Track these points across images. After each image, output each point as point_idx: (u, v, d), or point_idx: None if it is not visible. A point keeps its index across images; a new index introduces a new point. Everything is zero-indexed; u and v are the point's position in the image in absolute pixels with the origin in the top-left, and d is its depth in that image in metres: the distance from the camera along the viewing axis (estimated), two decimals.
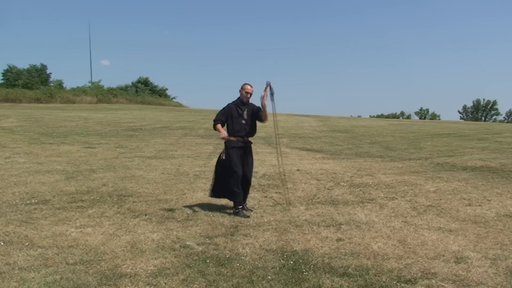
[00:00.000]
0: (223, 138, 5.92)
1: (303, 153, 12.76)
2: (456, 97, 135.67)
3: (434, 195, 7.09)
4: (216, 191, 6.06)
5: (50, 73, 46.44)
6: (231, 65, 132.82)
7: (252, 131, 6.06)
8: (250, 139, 6.10)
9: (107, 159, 10.50)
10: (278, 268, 3.96)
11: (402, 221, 5.57)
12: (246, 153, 6.00)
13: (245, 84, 5.96)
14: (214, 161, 10.45)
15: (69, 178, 8.01)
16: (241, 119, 5.91)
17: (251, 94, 5.93)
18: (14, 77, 42.29)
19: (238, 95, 6.01)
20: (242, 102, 5.96)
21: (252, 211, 6.00)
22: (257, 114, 5.96)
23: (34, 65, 45.16)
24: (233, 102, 6.04)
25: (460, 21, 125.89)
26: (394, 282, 3.67)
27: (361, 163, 10.64)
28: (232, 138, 5.92)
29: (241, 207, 5.85)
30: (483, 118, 77.01)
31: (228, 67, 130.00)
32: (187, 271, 3.84)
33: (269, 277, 3.75)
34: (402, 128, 21.28)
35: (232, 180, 5.83)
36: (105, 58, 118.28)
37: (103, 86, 44.20)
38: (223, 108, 6.05)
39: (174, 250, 4.38)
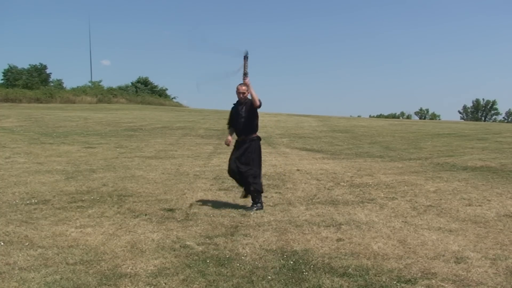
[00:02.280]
0: (226, 144, 6.38)
1: (303, 153, 12.76)
2: (456, 97, 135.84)
3: (434, 195, 7.09)
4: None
5: (50, 73, 46.56)
6: (231, 65, 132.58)
7: (249, 127, 6.12)
8: (254, 135, 6.19)
9: (107, 159, 10.50)
10: (278, 268, 3.96)
11: (402, 221, 5.57)
12: (244, 150, 6.09)
13: (237, 85, 6.14)
14: (214, 161, 10.49)
15: (69, 178, 8.01)
16: (240, 118, 6.13)
17: (243, 94, 6.08)
18: (14, 77, 42.32)
19: (232, 94, 6.25)
20: (239, 102, 6.20)
21: (245, 211, 5.96)
22: (252, 105, 6.05)
23: (34, 65, 45.23)
24: (234, 103, 6.29)
25: (460, 21, 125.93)
26: (394, 282, 3.67)
27: (361, 163, 10.64)
28: (236, 138, 6.28)
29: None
30: (483, 118, 77.06)
31: (229, 67, 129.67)
32: (187, 271, 3.84)
33: (269, 277, 3.75)
34: (402, 128, 21.27)
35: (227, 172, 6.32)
36: (106, 58, 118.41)
37: (103, 86, 44.29)
38: (230, 112, 6.37)
39: (174, 250, 4.38)
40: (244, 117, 6.07)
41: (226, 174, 8.51)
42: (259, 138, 6.23)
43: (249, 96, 6.07)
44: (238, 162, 6.07)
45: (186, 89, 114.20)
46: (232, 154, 6.21)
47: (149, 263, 4.01)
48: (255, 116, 6.13)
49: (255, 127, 6.17)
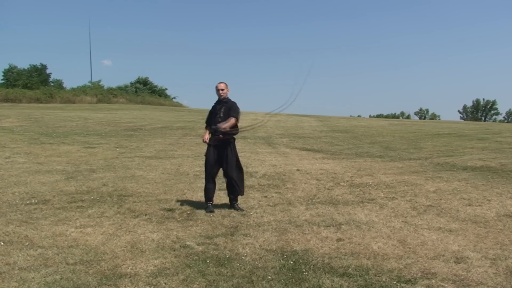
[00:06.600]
0: (203, 141, 6.22)
1: (303, 153, 12.75)
2: (456, 97, 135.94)
3: (434, 195, 7.09)
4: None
5: (50, 73, 46.60)
6: (232, 65, 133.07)
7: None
8: (233, 136, 6.11)
9: (107, 159, 10.50)
10: (278, 268, 3.96)
11: (402, 221, 5.57)
12: (224, 151, 6.04)
13: (217, 83, 6.14)
14: None
15: (69, 178, 8.01)
16: (217, 117, 6.08)
17: (222, 90, 6.07)
18: (14, 77, 42.35)
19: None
20: (218, 100, 6.17)
21: (243, 210, 5.98)
22: (229, 111, 6.03)
23: (34, 65, 45.25)
24: (215, 102, 6.27)
25: (460, 22, 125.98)
26: (394, 282, 3.67)
27: (361, 163, 10.64)
28: (210, 137, 6.14)
29: (210, 203, 6.05)
30: (483, 118, 77.06)
31: (230, 68, 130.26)
32: (187, 271, 3.84)
33: (269, 277, 3.75)
34: (402, 128, 21.27)
35: (205, 176, 6.16)
36: (107, 58, 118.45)
37: (103, 86, 44.33)
38: (209, 110, 6.36)
39: (174, 250, 4.38)
40: (221, 117, 6.03)
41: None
42: (234, 139, 6.17)
43: (229, 95, 6.14)
44: (219, 168, 6.06)
45: (187, 89, 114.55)
46: (210, 156, 6.06)
47: (149, 263, 4.01)
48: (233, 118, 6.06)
49: (233, 128, 6.09)
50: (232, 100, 6.16)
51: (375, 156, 12.03)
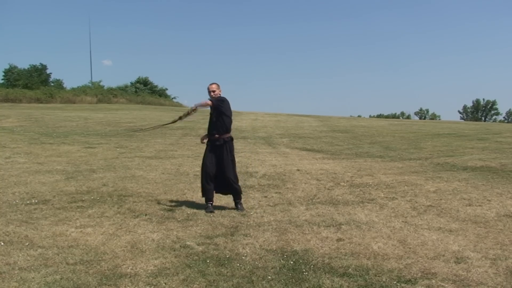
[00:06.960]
0: (201, 142, 6.42)
1: (303, 153, 12.75)
2: (456, 97, 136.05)
3: (434, 195, 7.09)
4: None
5: (50, 73, 46.63)
6: (232, 65, 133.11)
7: (219, 126, 6.07)
8: (226, 135, 6.11)
9: (107, 159, 10.50)
10: (278, 268, 3.96)
11: (402, 221, 5.57)
12: (220, 151, 6.06)
13: (208, 85, 6.17)
14: None
15: (69, 178, 8.01)
16: (212, 117, 6.15)
17: (213, 91, 6.10)
18: (14, 77, 42.38)
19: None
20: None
21: (244, 210, 5.99)
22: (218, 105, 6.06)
23: (34, 65, 45.28)
24: None
25: (460, 22, 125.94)
26: (394, 282, 3.67)
27: (361, 163, 10.64)
28: (208, 137, 6.23)
29: (210, 203, 6.04)
30: (483, 118, 77.05)
31: (230, 68, 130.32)
32: (187, 271, 3.84)
33: (269, 277, 3.75)
34: (402, 128, 21.26)
35: (203, 176, 6.12)
36: (107, 58, 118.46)
37: (103, 86, 44.32)
38: None
39: (174, 250, 4.38)
40: (215, 116, 6.07)
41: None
42: (231, 139, 6.18)
43: (221, 94, 6.13)
44: (217, 168, 6.04)
45: (188, 89, 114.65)
46: (207, 156, 6.10)
47: (149, 263, 4.01)
48: (223, 115, 6.05)
49: (225, 127, 6.08)
50: (224, 96, 6.17)
51: (375, 156, 12.03)
